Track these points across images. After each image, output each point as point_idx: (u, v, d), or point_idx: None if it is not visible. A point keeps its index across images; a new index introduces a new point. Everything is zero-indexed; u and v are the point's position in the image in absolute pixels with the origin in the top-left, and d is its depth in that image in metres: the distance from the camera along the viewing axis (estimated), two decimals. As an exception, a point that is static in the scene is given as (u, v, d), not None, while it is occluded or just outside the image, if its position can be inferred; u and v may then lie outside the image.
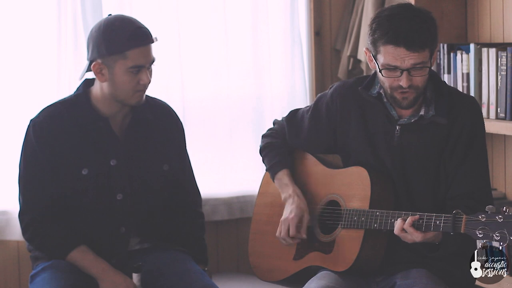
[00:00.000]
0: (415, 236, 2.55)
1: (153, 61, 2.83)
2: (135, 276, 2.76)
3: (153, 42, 2.82)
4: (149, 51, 2.81)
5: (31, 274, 2.87)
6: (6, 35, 3.52)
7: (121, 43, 2.75)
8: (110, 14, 2.88)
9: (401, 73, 2.60)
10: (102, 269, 2.82)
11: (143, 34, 2.79)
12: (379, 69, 2.63)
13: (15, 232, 3.47)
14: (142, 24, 2.83)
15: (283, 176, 2.96)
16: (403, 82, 2.60)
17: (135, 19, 2.84)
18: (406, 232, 2.56)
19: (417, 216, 2.56)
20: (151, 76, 2.85)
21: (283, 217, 2.88)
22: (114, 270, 2.82)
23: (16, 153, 3.24)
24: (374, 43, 2.62)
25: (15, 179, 2.96)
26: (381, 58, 2.61)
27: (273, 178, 2.99)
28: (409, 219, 2.56)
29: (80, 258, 2.82)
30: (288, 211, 2.88)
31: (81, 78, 2.91)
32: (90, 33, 2.83)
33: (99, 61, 2.79)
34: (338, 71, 3.98)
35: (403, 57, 2.57)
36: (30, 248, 2.93)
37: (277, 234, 2.88)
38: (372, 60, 2.68)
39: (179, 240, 3.03)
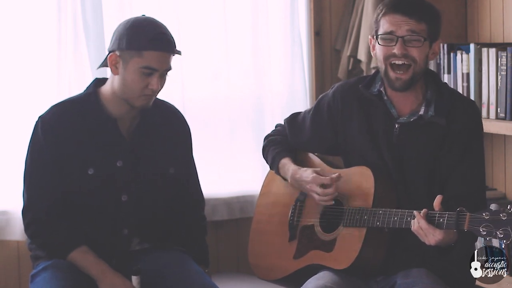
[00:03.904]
0: (438, 234, 2.51)
1: (168, 69, 2.81)
2: (134, 279, 2.77)
3: (174, 53, 2.81)
4: (166, 58, 2.79)
5: (31, 274, 2.87)
6: (6, 35, 3.51)
7: (142, 41, 2.75)
8: (144, 15, 2.88)
9: (396, 41, 2.63)
10: (101, 271, 2.81)
11: (165, 41, 2.79)
12: (378, 42, 2.67)
13: (15, 232, 3.47)
14: (169, 33, 2.82)
15: (284, 162, 2.95)
16: (397, 48, 2.64)
17: (165, 27, 2.83)
18: (422, 231, 2.54)
19: (425, 210, 2.55)
20: (162, 84, 2.84)
21: (306, 187, 2.82)
22: (114, 272, 2.82)
23: (16, 153, 3.25)
24: (376, 19, 2.70)
25: (15, 179, 2.97)
26: (380, 31, 2.68)
27: (277, 169, 2.98)
28: (424, 211, 2.53)
29: (80, 259, 2.82)
30: (305, 178, 2.83)
31: (98, 68, 2.93)
32: (118, 26, 2.84)
33: (117, 53, 2.80)
34: (338, 71, 3.98)
35: (399, 23, 2.63)
36: (31, 247, 2.93)
37: (317, 198, 2.80)
38: (374, 48, 2.73)
39: (181, 242, 3.03)
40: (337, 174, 2.79)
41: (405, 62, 2.65)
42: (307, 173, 2.85)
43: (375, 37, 2.71)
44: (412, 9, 2.64)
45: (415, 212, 2.56)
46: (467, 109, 2.74)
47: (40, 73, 3.56)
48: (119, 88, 2.82)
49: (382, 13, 2.68)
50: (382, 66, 2.71)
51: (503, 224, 2.41)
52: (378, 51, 2.70)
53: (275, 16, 3.90)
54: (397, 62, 2.66)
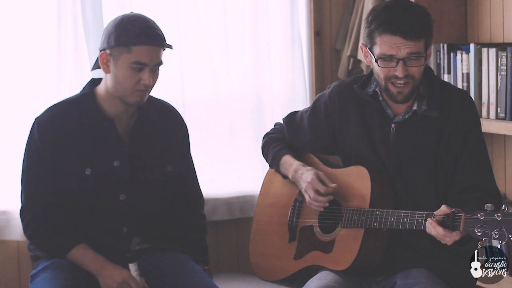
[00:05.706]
0: (455, 235, 2.50)
1: (158, 63, 2.81)
2: (131, 266, 2.77)
3: (163, 46, 2.81)
4: (155, 52, 2.79)
5: (31, 274, 2.87)
6: (6, 35, 3.52)
7: (129, 37, 2.76)
8: (132, 12, 2.89)
9: (397, 63, 2.61)
10: (101, 265, 2.82)
11: (153, 34, 2.79)
12: (375, 59, 2.64)
13: (15, 232, 3.47)
14: (157, 27, 2.83)
15: (286, 159, 2.95)
16: (399, 71, 2.61)
17: (153, 21, 2.84)
18: (440, 235, 2.52)
19: (440, 218, 2.52)
20: (155, 79, 2.83)
21: (303, 186, 2.84)
22: (113, 264, 2.82)
23: (16, 153, 3.25)
24: (370, 34, 2.64)
25: (15, 179, 2.96)
26: (377, 49, 2.63)
27: (277, 166, 2.98)
28: (437, 219, 2.52)
29: (80, 255, 2.82)
30: (305, 178, 2.84)
31: (92, 69, 2.93)
32: (107, 25, 2.84)
33: (107, 51, 2.80)
34: (338, 71, 3.98)
35: (399, 46, 2.59)
36: (31, 248, 2.93)
37: (307, 201, 2.84)
38: (367, 55, 2.70)
39: (180, 241, 3.03)
40: (334, 185, 2.80)
41: (406, 81, 2.64)
42: (308, 174, 2.85)
43: (369, 50, 2.67)
44: (410, 30, 2.58)
45: (429, 220, 2.54)
46: (459, 99, 2.73)
47: (40, 73, 3.56)
48: (112, 86, 2.83)
49: (378, 31, 2.61)
50: (382, 83, 2.69)
51: (498, 225, 2.40)
52: (377, 70, 2.67)
53: (275, 16, 3.90)
54: (398, 82, 2.64)
